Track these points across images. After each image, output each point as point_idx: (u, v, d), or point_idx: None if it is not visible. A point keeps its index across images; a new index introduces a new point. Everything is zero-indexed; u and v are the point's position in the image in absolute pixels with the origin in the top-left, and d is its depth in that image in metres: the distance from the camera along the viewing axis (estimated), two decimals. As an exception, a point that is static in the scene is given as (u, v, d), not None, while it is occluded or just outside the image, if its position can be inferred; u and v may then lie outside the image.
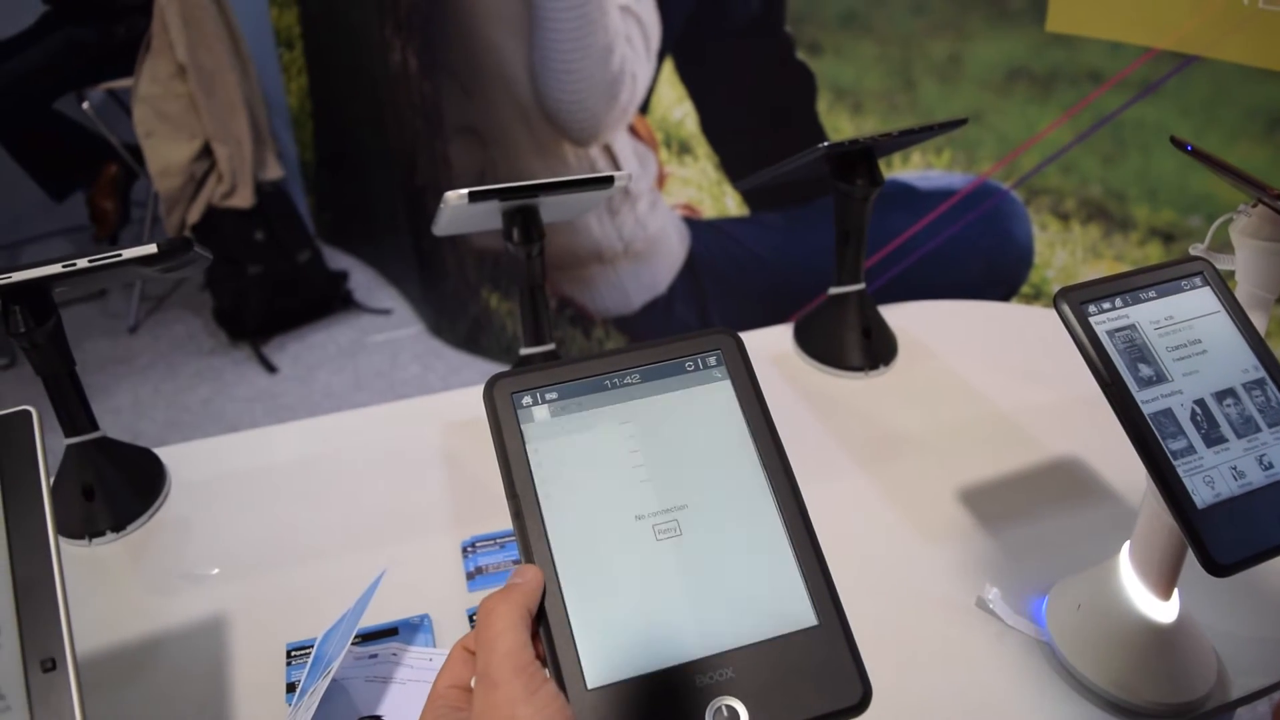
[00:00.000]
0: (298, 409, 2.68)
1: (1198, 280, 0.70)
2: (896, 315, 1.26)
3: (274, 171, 2.92)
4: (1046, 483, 0.98)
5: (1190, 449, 0.64)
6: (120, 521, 0.95)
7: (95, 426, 0.96)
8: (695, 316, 2.41)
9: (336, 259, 3.34)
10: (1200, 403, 0.66)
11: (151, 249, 0.81)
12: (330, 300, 3.07)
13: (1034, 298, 1.91)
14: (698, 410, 0.54)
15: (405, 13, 2.47)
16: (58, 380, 0.92)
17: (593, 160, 2.35)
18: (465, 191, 0.89)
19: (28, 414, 0.59)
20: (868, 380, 1.15)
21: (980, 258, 1.95)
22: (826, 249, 1.14)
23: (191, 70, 2.66)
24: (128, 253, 0.81)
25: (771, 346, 1.22)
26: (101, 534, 0.94)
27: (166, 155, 2.74)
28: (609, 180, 0.94)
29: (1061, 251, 1.86)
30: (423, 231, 2.80)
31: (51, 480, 0.94)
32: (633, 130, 2.30)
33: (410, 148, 2.65)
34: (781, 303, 2.21)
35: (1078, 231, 1.82)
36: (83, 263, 0.81)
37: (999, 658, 0.79)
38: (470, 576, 0.88)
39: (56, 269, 0.80)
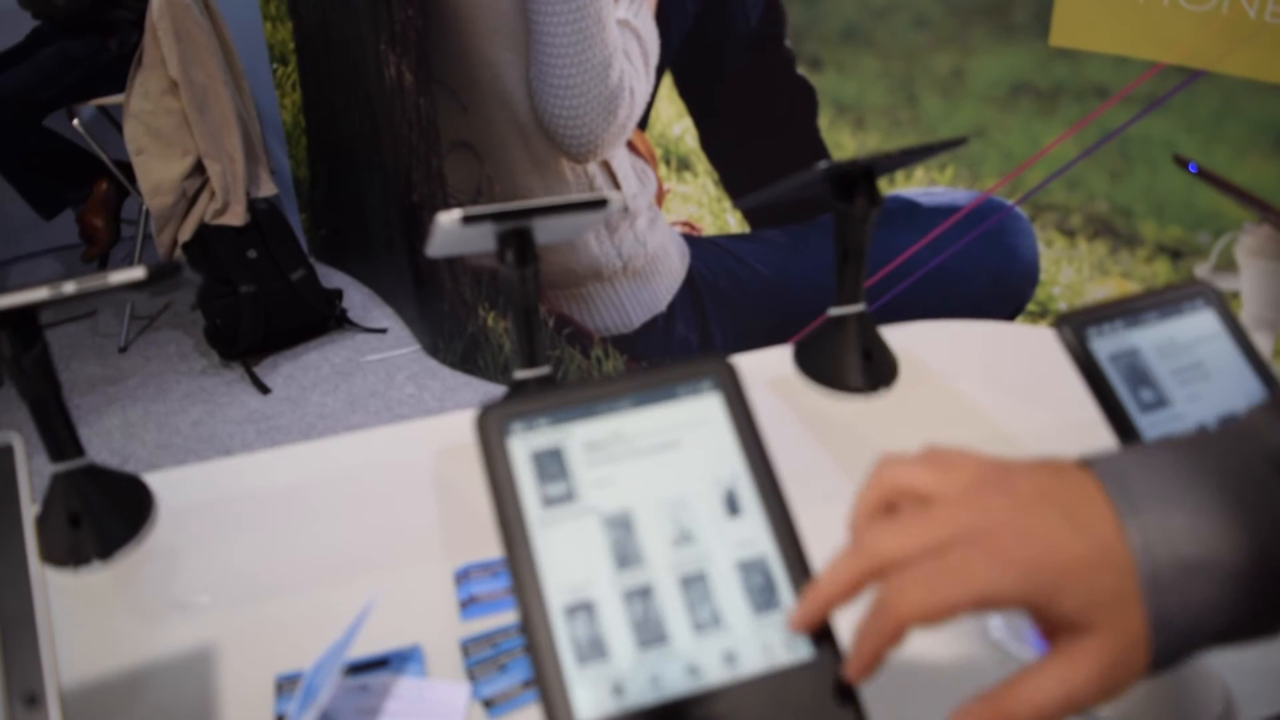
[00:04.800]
0: (291, 430, 2.66)
1: (1199, 303, 0.70)
2: (898, 336, 1.24)
3: (267, 188, 2.91)
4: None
5: None
6: (107, 549, 0.93)
7: (82, 453, 0.94)
8: (696, 335, 2.40)
9: (331, 277, 3.32)
10: (1203, 428, 0.65)
11: (139, 274, 0.79)
12: (324, 319, 3.05)
13: (1040, 315, 1.90)
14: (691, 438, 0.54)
15: (401, 27, 2.46)
16: (44, 406, 0.90)
17: (591, 177, 2.33)
18: (458, 214, 0.88)
19: (9, 448, 0.58)
20: (868, 402, 1.14)
21: (986, 275, 1.94)
22: (829, 266, 1.13)
23: (184, 86, 2.65)
24: (114, 278, 0.79)
25: (771, 368, 1.20)
26: (88, 562, 0.92)
27: (158, 172, 2.72)
28: (603, 203, 0.93)
29: (1068, 268, 1.85)
30: (418, 249, 2.79)
31: (37, 508, 0.93)
32: (631, 146, 2.29)
33: (406, 164, 2.63)
34: (784, 320, 2.20)
35: (1084, 248, 1.81)
36: (69, 289, 0.78)
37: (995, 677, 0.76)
38: (463, 605, 0.86)
39: (43, 295, 0.79)
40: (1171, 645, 0.41)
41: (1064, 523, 0.41)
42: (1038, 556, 0.40)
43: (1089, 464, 0.44)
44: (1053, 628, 0.42)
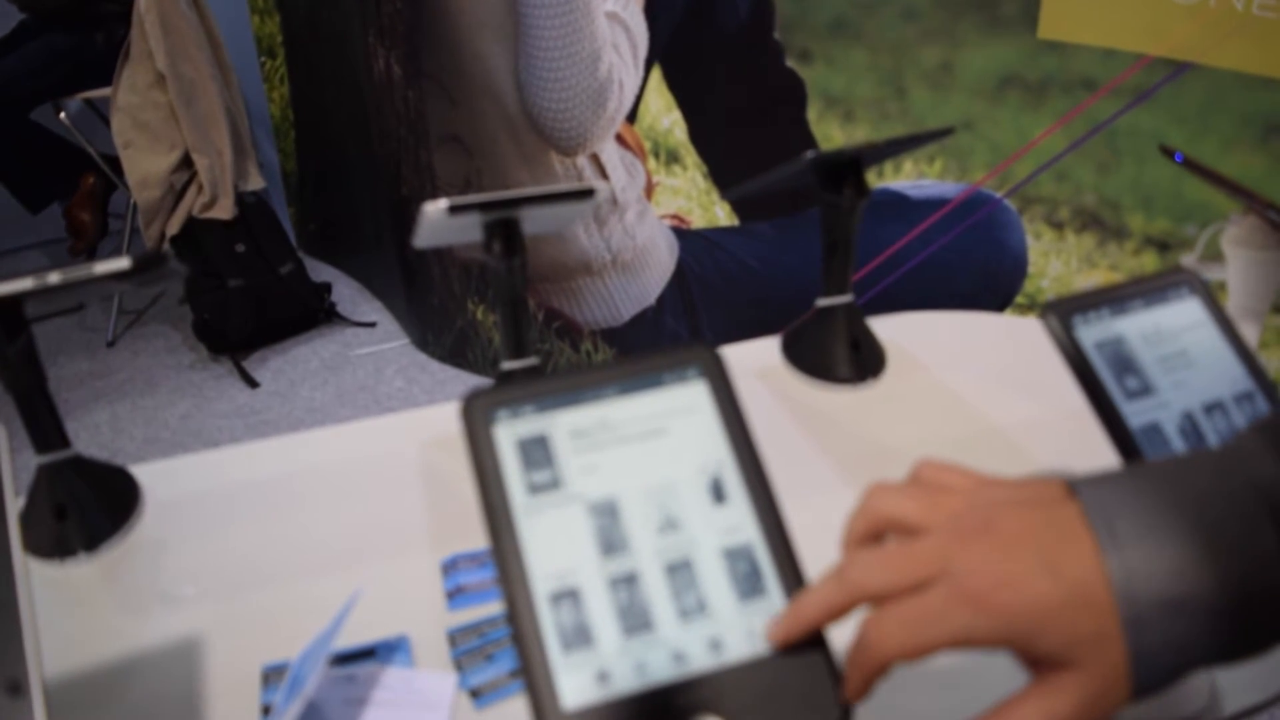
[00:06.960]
0: (279, 424, 2.65)
1: (1184, 291, 0.70)
2: (886, 327, 1.24)
3: (255, 182, 2.89)
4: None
5: None
6: (93, 541, 0.92)
7: (67, 444, 0.94)
8: (685, 328, 2.40)
9: (319, 271, 3.31)
10: (1188, 415, 0.65)
11: (125, 264, 0.79)
12: (313, 313, 3.04)
13: (1029, 308, 1.90)
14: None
15: (389, 20, 2.45)
16: (29, 397, 0.90)
17: (580, 170, 2.33)
18: (444, 204, 0.87)
19: (-8, 435, 0.57)
20: (856, 393, 1.14)
21: (974, 268, 1.94)
22: (817, 258, 1.13)
23: (171, 79, 2.63)
24: (100, 268, 0.79)
25: (759, 359, 1.20)
26: (74, 554, 0.91)
27: (145, 166, 2.70)
28: (590, 193, 0.92)
29: (1056, 261, 1.85)
30: (407, 243, 2.77)
31: (22, 500, 0.92)
32: (620, 139, 2.28)
33: (394, 157, 2.62)
34: (772, 313, 2.20)
35: (1072, 240, 1.81)
36: (55, 279, 0.78)
37: (988, 675, 0.76)
38: (450, 595, 0.86)
39: (28, 285, 0.78)
40: (1154, 677, 0.42)
41: (1043, 567, 0.42)
42: (1015, 602, 0.41)
43: (1075, 491, 0.44)
44: (1033, 662, 0.43)
